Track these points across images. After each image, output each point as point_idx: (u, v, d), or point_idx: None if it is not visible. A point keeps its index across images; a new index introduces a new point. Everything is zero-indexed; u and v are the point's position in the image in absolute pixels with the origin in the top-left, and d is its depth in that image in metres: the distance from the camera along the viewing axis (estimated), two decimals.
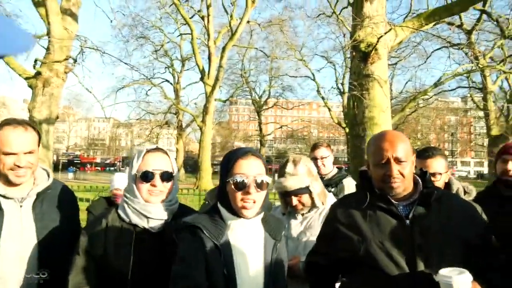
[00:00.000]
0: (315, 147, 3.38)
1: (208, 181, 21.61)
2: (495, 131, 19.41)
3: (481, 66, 14.33)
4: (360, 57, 6.74)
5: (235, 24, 21.52)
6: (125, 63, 19.90)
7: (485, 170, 41.32)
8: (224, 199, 1.46)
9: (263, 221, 1.53)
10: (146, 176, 1.61)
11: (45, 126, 10.67)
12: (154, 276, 1.54)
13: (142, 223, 1.60)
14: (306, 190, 2.02)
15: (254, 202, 1.42)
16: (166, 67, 31.90)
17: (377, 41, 6.43)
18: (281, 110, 49.53)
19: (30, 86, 10.64)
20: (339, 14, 15.86)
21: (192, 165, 47.16)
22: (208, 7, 22.75)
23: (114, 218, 1.65)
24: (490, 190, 2.42)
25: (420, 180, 1.61)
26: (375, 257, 1.46)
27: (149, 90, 29.94)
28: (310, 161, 2.14)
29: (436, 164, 2.38)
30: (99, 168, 52.94)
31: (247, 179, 1.41)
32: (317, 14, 21.31)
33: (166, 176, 1.65)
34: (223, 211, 1.46)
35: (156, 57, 30.12)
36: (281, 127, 47.03)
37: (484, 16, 15.10)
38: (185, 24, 26.05)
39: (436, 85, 13.09)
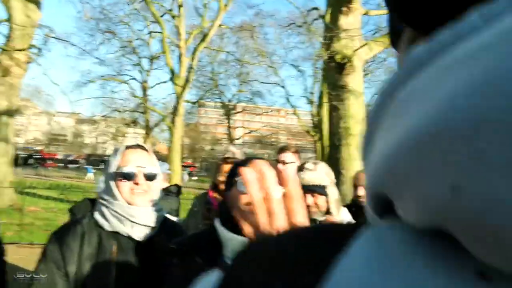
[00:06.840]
0: (281, 150, 2.99)
1: (178, 183, 21.16)
2: None
3: None
4: (336, 68, 6.85)
5: (206, 26, 21.38)
6: (95, 57, 19.16)
7: None
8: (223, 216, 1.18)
9: None
10: (128, 174, 1.41)
11: (5, 118, 10.09)
12: None
13: (125, 229, 1.38)
14: (324, 190, 1.88)
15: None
16: (133, 65, 31.08)
17: (353, 54, 6.56)
18: (250, 115, 49.56)
19: None
20: (310, 25, 16.12)
21: None
22: (179, 6, 22.48)
23: (90, 225, 1.41)
24: None
25: None
26: None
27: (115, 87, 29.10)
28: (329, 167, 2.03)
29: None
30: (61, 165, 50.76)
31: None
32: (287, 23, 21.58)
33: (150, 175, 1.46)
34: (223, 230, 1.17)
35: (124, 53, 29.31)
36: (250, 132, 46.99)
37: None
38: (154, 22, 25.53)
39: None
